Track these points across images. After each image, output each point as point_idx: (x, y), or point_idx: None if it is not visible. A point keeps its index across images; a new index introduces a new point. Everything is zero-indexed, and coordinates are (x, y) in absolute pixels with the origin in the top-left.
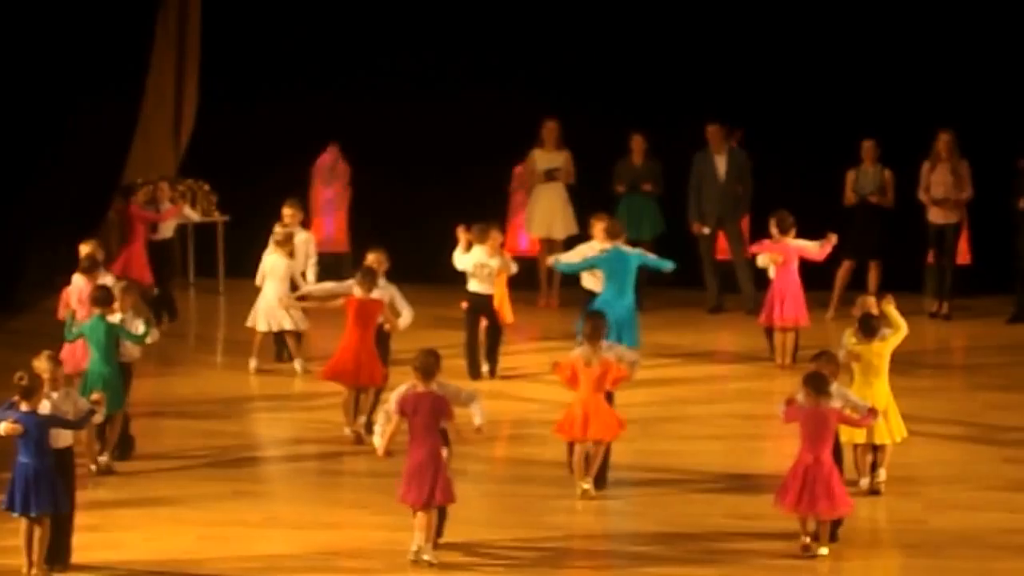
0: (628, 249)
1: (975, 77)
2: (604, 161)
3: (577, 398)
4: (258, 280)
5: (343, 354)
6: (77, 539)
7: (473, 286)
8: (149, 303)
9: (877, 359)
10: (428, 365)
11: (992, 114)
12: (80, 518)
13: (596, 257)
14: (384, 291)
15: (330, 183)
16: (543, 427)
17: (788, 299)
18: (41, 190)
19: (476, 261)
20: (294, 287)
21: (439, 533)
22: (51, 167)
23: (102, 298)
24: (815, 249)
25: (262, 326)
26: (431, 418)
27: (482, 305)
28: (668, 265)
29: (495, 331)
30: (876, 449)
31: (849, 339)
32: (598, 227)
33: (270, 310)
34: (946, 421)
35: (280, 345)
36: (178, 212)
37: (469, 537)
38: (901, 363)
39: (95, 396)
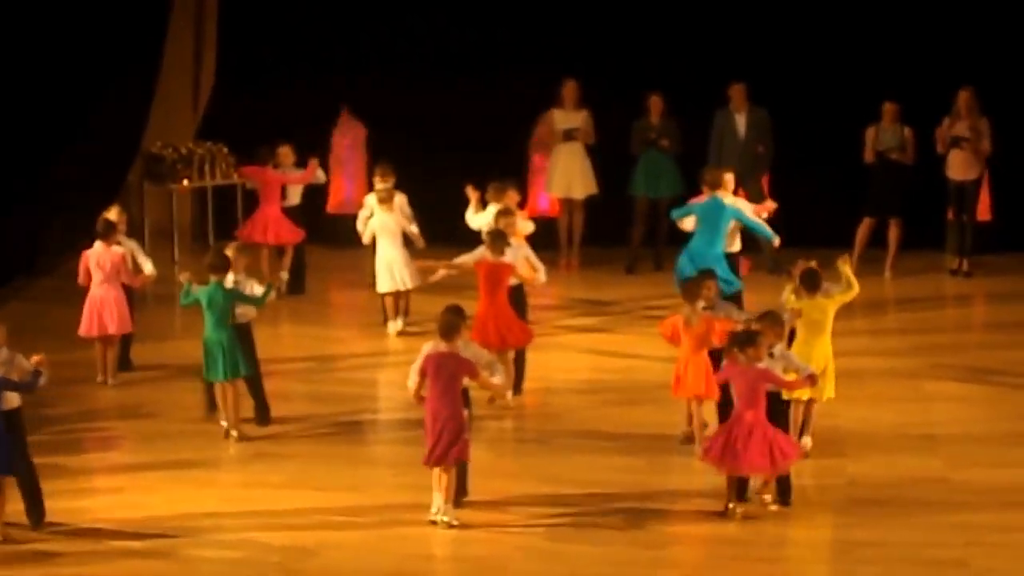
0: (728, 201)
1: (996, 34)
2: (623, 121)
3: (679, 356)
4: (366, 240)
5: (480, 322)
6: (100, 501)
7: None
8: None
9: (819, 315)
10: (447, 324)
11: (1014, 71)
12: (103, 481)
13: (695, 205)
14: (517, 250)
15: (346, 145)
16: (565, 387)
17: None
18: (62, 157)
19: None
20: (406, 241)
21: (462, 493)
22: (72, 134)
23: (219, 265)
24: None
25: (386, 287)
26: (452, 378)
27: None
28: (768, 233)
29: (518, 292)
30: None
31: (788, 296)
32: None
33: (391, 269)
34: (967, 378)
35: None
36: (313, 173)
37: (491, 496)
38: (920, 320)
39: (36, 358)
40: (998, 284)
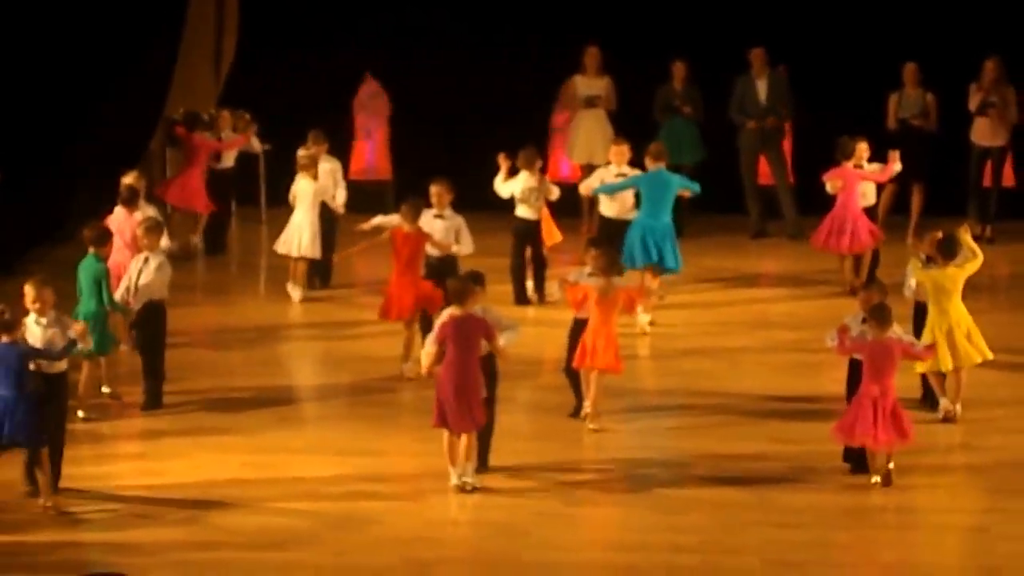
0: (670, 173)
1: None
2: (646, 88)
3: (589, 327)
4: (291, 202)
5: (390, 291)
6: (121, 467)
7: (521, 212)
8: (205, 230)
9: (951, 284)
10: (456, 289)
11: None
12: (124, 447)
13: (637, 177)
14: (450, 221)
15: (369, 112)
16: None
17: (846, 225)
18: (86, 123)
19: (525, 186)
20: (324, 212)
21: (484, 459)
22: (95, 101)
23: (96, 237)
24: (877, 171)
25: (284, 249)
26: (469, 341)
27: (529, 231)
28: (695, 188)
29: (540, 258)
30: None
31: (916, 268)
32: (616, 150)
33: (297, 234)
34: (990, 344)
35: (311, 273)
36: (246, 141)
37: (511, 462)
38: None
39: (78, 328)
40: (1021, 250)
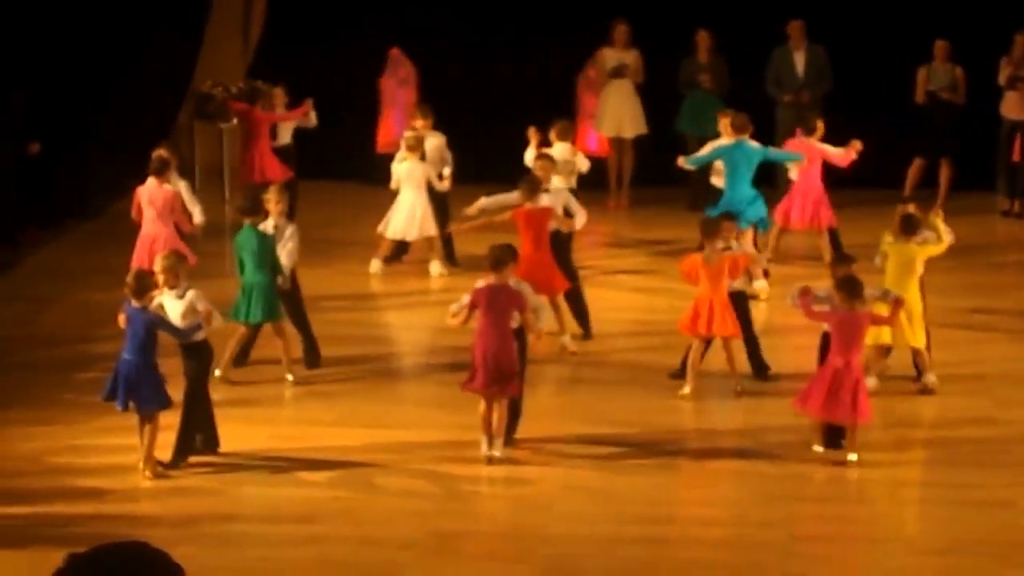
0: (753, 144)
1: None
2: (674, 62)
3: (699, 295)
4: (393, 185)
5: (519, 267)
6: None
7: (554, 183)
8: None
9: (907, 260)
10: (497, 256)
11: None
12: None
13: (719, 149)
14: (557, 195)
15: (397, 86)
16: (613, 327)
17: (808, 201)
18: (112, 96)
19: (559, 158)
20: (430, 191)
21: (512, 430)
22: (122, 73)
23: (249, 208)
24: (839, 155)
25: (398, 234)
26: (503, 310)
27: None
28: (798, 157)
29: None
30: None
31: (886, 239)
32: (724, 122)
33: (408, 219)
34: (1017, 319)
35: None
36: (305, 112)
37: (538, 435)
38: (971, 261)
39: (206, 309)
40: None
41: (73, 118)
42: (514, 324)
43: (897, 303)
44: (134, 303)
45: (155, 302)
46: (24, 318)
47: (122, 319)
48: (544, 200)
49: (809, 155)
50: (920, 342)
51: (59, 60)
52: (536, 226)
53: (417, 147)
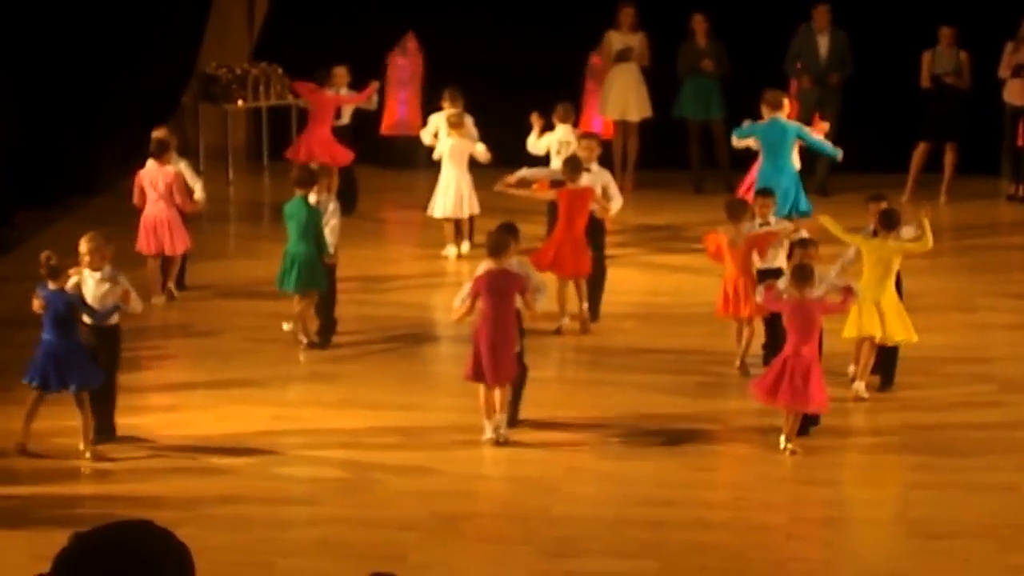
0: (787, 121)
1: None
2: (677, 45)
3: (726, 276)
4: (436, 156)
5: (551, 246)
6: (151, 419)
7: (556, 166)
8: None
9: (886, 256)
10: (495, 242)
11: None
12: (157, 399)
13: (756, 126)
14: (597, 176)
15: (403, 68)
16: (619, 309)
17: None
18: (118, 76)
19: (559, 139)
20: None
21: (514, 414)
22: (127, 53)
23: (303, 180)
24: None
25: (448, 211)
26: (504, 294)
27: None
28: (831, 151)
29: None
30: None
31: (855, 238)
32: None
33: (458, 195)
34: (1022, 304)
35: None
36: (369, 95)
37: (543, 416)
38: (976, 246)
39: (125, 291)
40: None
41: (79, 97)
42: (516, 305)
43: (850, 292)
44: (50, 285)
45: (72, 281)
46: (26, 297)
47: (38, 304)
48: (584, 180)
49: None
50: (901, 338)
51: (63, 40)
52: (576, 206)
53: (460, 124)
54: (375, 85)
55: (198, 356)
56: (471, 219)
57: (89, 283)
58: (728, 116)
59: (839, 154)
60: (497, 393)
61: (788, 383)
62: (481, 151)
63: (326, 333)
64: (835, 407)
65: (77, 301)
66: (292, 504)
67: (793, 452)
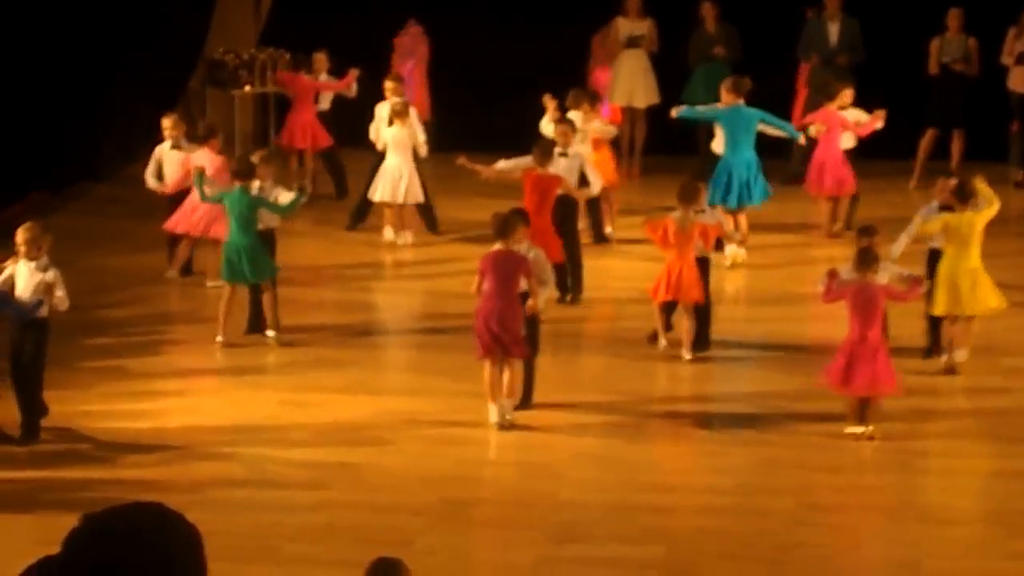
0: (749, 108)
1: None
2: (687, 31)
3: (669, 260)
4: (380, 147)
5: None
6: (158, 404)
7: (574, 150)
8: (332, 177)
9: (967, 229)
10: (502, 222)
11: None
12: (161, 384)
13: (717, 111)
14: (574, 160)
15: (409, 54)
16: (623, 295)
17: (829, 168)
18: (123, 61)
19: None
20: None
21: (527, 398)
22: (133, 38)
23: (243, 171)
24: (859, 123)
25: (385, 196)
26: (508, 275)
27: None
28: (791, 131)
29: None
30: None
31: (931, 215)
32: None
33: (395, 181)
34: None
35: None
36: (350, 83)
37: (547, 403)
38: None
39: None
40: None
41: (85, 83)
42: (522, 288)
43: (917, 282)
44: None
45: (6, 273)
46: None
47: None
48: (559, 165)
49: (830, 123)
50: (983, 309)
51: (71, 26)
52: (541, 191)
53: (404, 113)
54: (355, 73)
55: (205, 342)
56: (423, 208)
57: (24, 273)
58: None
59: (800, 137)
60: (505, 376)
61: (861, 369)
62: (421, 143)
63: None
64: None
65: (3, 297)
66: (298, 489)
67: (871, 438)
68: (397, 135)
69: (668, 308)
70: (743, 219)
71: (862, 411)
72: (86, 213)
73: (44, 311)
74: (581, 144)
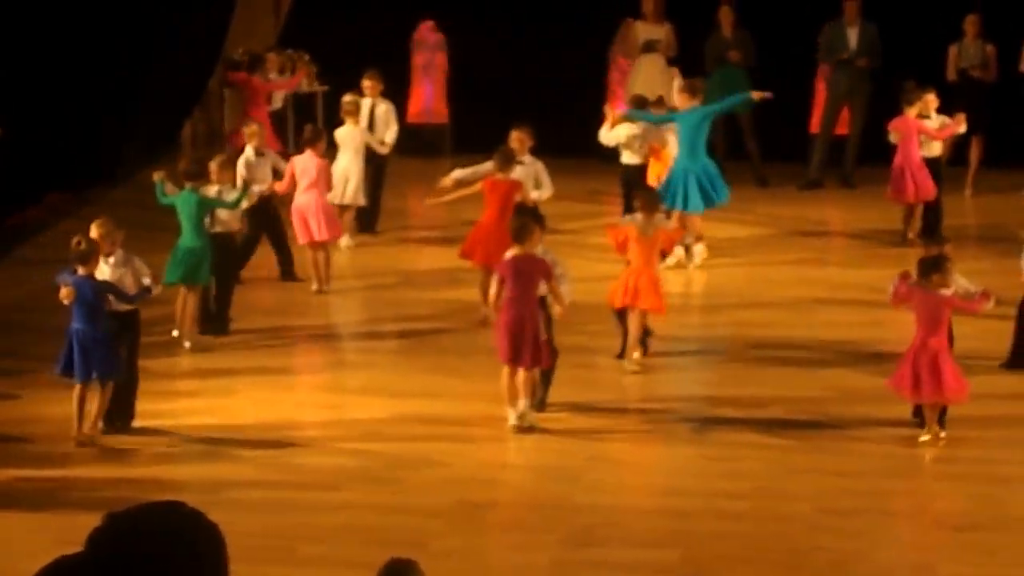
0: (702, 107)
1: None
2: (705, 35)
3: (631, 267)
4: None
5: (477, 233)
6: (176, 404)
7: (626, 158)
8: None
9: None
10: (519, 226)
11: None
12: (179, 384)
13: (673, 115)
14: (530, 167)
15: (427, 56)
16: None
17: (908, 175)
18: (144, 62)
19: (629, 133)
20: (369, 158)
21: (544, 400)
22: (153, 39)
23: (193, 172)
24: (936, 128)
25: (333, 199)
26: (527, 280)
27: (635, 176)
28: (743, 98)
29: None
30: None
31: None
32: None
33: (339, 184)
34: None
35: (363, 218)
36: (295, 83)
37: (566, 405)
38: (1003, 238)
39: (150, 274)
40: None
41: (104, 84)
42: (541, 293)
43: (985, 296)
44: (80, 271)
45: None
46: (51, 284)
47: (66, 292)
48: (516, 172)
49: (907, 129)
50: None
51: (91, 30)
52: (501, 197)
53: (355, 112)
54: (302, 72)
55: (222, 343)
56: (365, 210)
57: (104, 270)
58: (755, 108)
59: (746, 96)
60: (520, 377)
61: (925, 377)
62: (383, 141)
63: (222, 321)
64: (850, 397)
65: (106, 287)
66: (315, 490)
67: (931, 444)
68: (347, 134)
69: (623, 314)
70: (697, 220)
71: (930, 417)
72: (103, 215)
73: (132, 306)
74: (640, 148)
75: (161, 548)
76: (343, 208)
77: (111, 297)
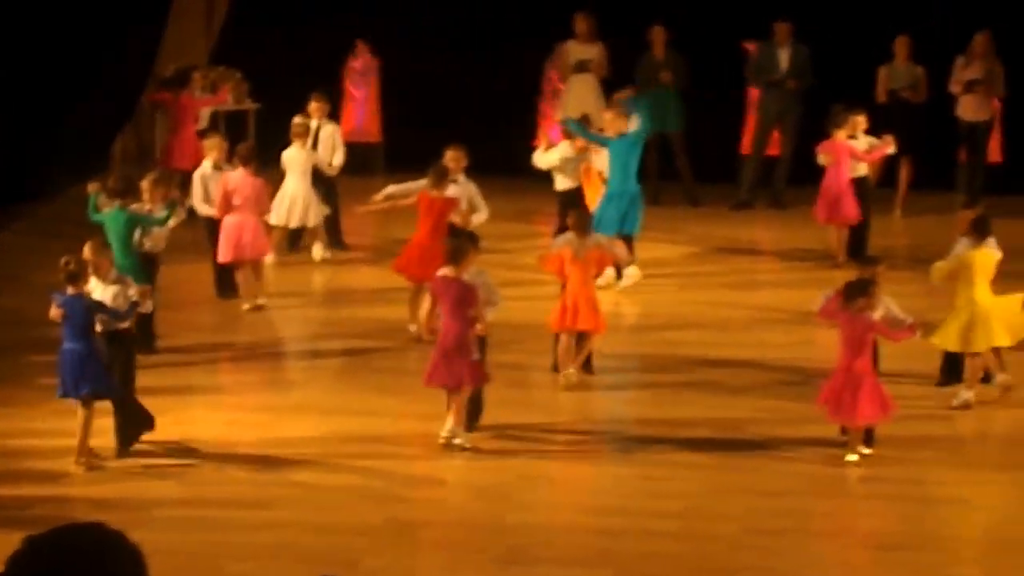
0: (631, 135)
1: None
2: (638, 55)
3: (568, 290)
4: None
5: (410, 249)
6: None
7: (559, 183)
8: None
9: (991, 264)
10: (454, 249)
11: None
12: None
13: (607, 140)
14: (463, 187)
15: (360, 76)
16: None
17: (837, 198)
18: (74, 77)
19: (563, 156)
20: (318, 177)
21: (476, 420)
22: (84, 54)
23: (121, 189)
24: (865, 151)
25: (280, 220)
26: (457, 303)
27: (572, 201)
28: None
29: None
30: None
31: (956, 249)
32: (607, 116)
33: (292, 205)
34: None
35: (294, 237)
36: (224, 99)
37: (497, 424)
38: (931, 261)
39: (140, 289)
40: (1008, 226)
41: (34, 100)
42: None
43: (910, 329)
44: (70, 290)
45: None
46: None
47: (56, 312)
48: (450, 191)
49: (836, 152)
50: (993, 343)
51: (21, 41)
52: (436, 214)
53: (304, 134)
54: (227, 89)
55: (155, 361)
56: (331, 228)
57: (97, 290)
58: (686, 128)
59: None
60: (454, 400)
61: (847, 398)
62: (330, 164)
63: (148, 340)
64: (778, 417)
65: (98, 306)
66: (245, 508)
67: (857, 464)
68: (294, 156)
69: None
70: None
71: (854, 438)
72: (33, 231)
73: (127, 323)
74: (573, 172)
75: (80, 571)
76: (272, 227)
77: (104, 316)
